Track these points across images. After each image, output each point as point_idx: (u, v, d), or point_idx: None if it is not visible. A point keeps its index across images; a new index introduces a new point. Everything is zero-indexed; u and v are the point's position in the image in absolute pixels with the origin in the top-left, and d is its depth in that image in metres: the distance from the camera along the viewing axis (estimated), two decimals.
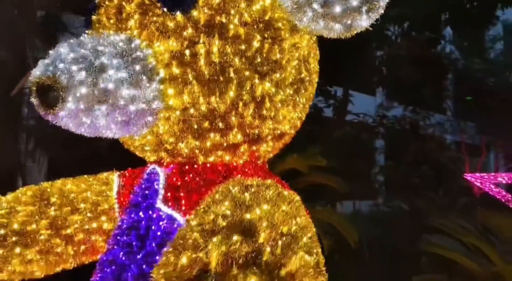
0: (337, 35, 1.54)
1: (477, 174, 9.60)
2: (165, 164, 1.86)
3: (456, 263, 2.94)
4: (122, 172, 2.23)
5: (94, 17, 1.79)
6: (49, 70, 1.45)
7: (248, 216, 1.13)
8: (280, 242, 1.06)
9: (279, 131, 1.83)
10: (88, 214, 2.02)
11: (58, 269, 2.12)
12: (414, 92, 11.05)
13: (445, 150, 9.76)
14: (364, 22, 1.43)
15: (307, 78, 1.85)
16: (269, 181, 1.55)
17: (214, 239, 1.04)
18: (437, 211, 6.20)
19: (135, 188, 2.01)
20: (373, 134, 8.94)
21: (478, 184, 8.84)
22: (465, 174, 9.19)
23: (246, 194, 1.32)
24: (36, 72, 1.48)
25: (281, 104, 1.76)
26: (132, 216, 1.80)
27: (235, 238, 1.04)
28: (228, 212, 1.16)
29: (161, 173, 1.85)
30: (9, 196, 2.08)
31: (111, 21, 1.70)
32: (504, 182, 8.78)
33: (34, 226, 1.97)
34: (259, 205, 1.22)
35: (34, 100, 1.54)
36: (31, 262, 2.00)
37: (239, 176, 1.69)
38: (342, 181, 5.95)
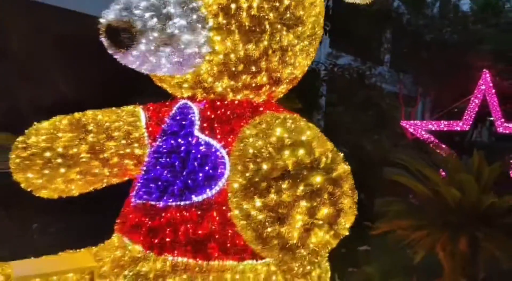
0: (356, 2, 1.91)
1: (411, 121, 10.70)
2: (197, 99, 2.19)
3: (408, 187, 3.60)
4: (145, 105, 2.52)
5: None
6: (125, 16, 1.70)
7: (303, 137, 1.55)
8: (329, 155, 1.50)
9: (294, 76, 2.23)
10: (122, 141, 2.32)
11: (92, 188, 2.43)
12: (361, 44, 11.72)
13: (385, 98, 10.69)
14: None
15: (318, 32, 2.23)
16: (295, 115, 1.96)
17: (286, 152, 1.45)
18: (381, 150, 6.99)
19: (165, 119, 2.33)
20: (325, 81, 9.54)
21: (411, 130, 9.94)
22: (402, 121, 10.23)
23: (289, 124, 1.72)
24: (110, 16, 1.73)
25: (299, 53, 2.14)
26: (172, 142, 2.14)
27: (301, 151, 1.46)
28: (286, 135, 1.57)
29: (195, 107, 2.19)
30: (46, 124, 2.31)
31: None
32: (433, 128, 9.93)
33: (75, 150, 2.24)
34: (304, 131, 1.63)
35: (105, 40, 1.79)
36: (72, 181, 2.30)
37: (268, 111, 2.08)
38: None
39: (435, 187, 3.00)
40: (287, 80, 2.22)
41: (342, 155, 1.58)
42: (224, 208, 1.96)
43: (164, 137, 2.22)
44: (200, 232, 1.94)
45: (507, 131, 9.53)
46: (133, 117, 2.41)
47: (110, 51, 1.84)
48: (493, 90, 9.54)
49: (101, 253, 2.42)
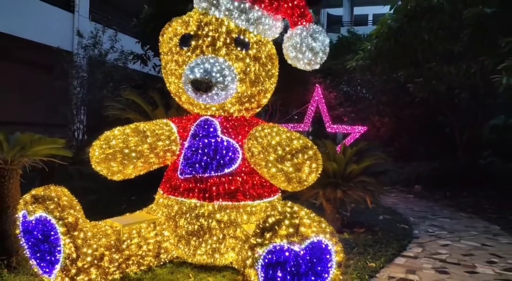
0: (301, 67, 3.84)
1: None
2: (216, 115, 3.83)
3: None
4: (170, 119, 4.01)
5: (193, 43, 3.56)
6: (206, 75, 3.32)
7: (298, 134, 3.39)
8: (310, 141, 3.36)
9: (265, 102, 4.05)
10: (166, 141, 3.78)
11: (143, 172, 3.81)
12: None
13: None
14: (317, 66, 3.80)
15: (276, 79, 4.09)
16: (272, 123, 3.79)
17: (295, 141, 3.27)
18: None
19: (190, 127, 3.87)
20: None
21: None
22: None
23: (282, 128, 3.55)
24: (197, 75, 3.32)
25: (270, 91, 3.98)
26: (205, 140, 3.72)
27: (301, 141, 3.29)
28: (289, 134, 3.38)
29: (215, 120, 3.81)
30: (117, 132, 3.62)
31: (209, 48, 3.54)
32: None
33: (140, 147, 3.62)
34: (293, 133, 3.48)
35: (190, 87, 3.36)
36: (136, 167, 3.68)
37: (259, 122, 3.87)
38: None
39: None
40: (262, 105, 4.04)
41: None
42: (242, 174, 3.67)
43: (197, 138, 3.79)
44: (232, 187, 3.61)
45: (333, 131, 12.83)
46: (167, 126, 3.89)
47: (192, 94, 3.41)
48: (323, 100, 12.75)
49: (152, 211, 3.84)
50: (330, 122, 12.78)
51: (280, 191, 4.01)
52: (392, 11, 8.32)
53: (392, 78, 10.10)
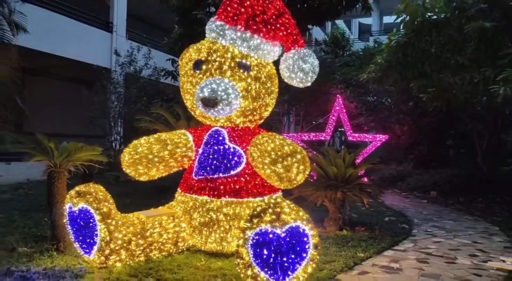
0: (295, 85, 4.52)
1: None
2: (224, 126, 4.56)
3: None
4: (187, 129, 4.78)
5: (204, 67, 4.32)
6: (213, 94, 4.07)
7: (289, 141, 4.07)
8: (299, 147, 4.03)
9: (267, 115, 4.75)
10: (184, 148, 4.55)
11: (165, 174, 4.58)
12: None
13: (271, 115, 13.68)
14: (309, 83, 4.48)
15: (276, 95, 4.79)
16: (273, 133, 4.48)
17: (286, 147, 3.94)
18: None
19: (206, 136, 4.61)
20: None
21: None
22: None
23: (277, 136, 4.23)
24: (205, 94, 4.07)
25: (271, 105, 4.68)
26: (215, 147, 4.46)
27: (291, 147, 3.96)
28: (282, 141, 4.06)
29: (224, 130, 4.54)
30: (143, 141, 4.41)
31: (217, 71, 4.28)
32: (305, 138, 13.26)
33: (162, 153, 4.40)
34: (285, 138, 4.16)
35: (201, 104, 4.11)
36: (158, 170, 4.46)
37: (261, 132, 4.57)
38: None
39: (323, 167, 5.78)
40: (264, 117, 4.75)
41: None
42: (246, 175, 4.37)
43: (208, 146, 4.53)
44: (237, 186, 4.32)
45: (354, 139, 13.31)
46: (184, 136, 4.65)
47: (202, 109, 4.17)
48: (344, 110, 13.28)
49: (172, 207, 4.60)
50: (351, 131, 13.36)
51: (281, 191, 4.67)
52: (401, 26, 8.85)
53: (408, 88, 10.53)
